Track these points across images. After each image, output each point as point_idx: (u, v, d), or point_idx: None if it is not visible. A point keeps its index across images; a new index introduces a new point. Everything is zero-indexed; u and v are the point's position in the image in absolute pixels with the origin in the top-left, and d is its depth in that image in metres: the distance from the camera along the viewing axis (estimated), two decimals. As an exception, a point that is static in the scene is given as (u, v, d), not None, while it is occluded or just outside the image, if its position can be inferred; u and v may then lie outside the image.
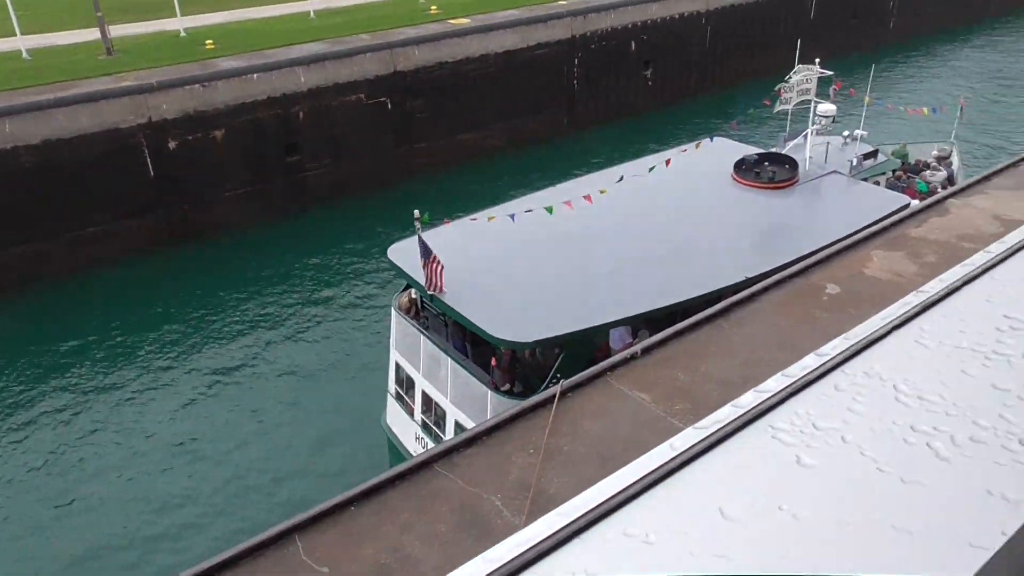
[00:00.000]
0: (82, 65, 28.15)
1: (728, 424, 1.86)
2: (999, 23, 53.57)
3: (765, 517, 1.60)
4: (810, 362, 2.07)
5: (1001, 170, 10.15)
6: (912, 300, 2.32)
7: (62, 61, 28.86)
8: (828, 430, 1.83)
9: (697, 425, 1.87)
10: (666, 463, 1.76)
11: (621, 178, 17.75)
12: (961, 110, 24.50)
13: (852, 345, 2.12)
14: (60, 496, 17.41)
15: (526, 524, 1.62)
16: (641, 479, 1.72)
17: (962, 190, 9.60)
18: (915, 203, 14.42)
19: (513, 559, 1.52)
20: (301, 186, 29.52)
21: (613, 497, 1.67)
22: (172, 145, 26.37)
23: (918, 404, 1.89)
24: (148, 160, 26.06)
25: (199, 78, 26.71)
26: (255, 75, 27.60)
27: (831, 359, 2.08)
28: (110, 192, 25.61)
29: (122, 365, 21.59)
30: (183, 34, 32.34)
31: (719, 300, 7.56)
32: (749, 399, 1.95)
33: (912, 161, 23.87)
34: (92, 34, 30.89)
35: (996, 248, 2.57)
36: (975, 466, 1.69)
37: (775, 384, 1.99)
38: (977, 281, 2.41)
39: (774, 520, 1.59)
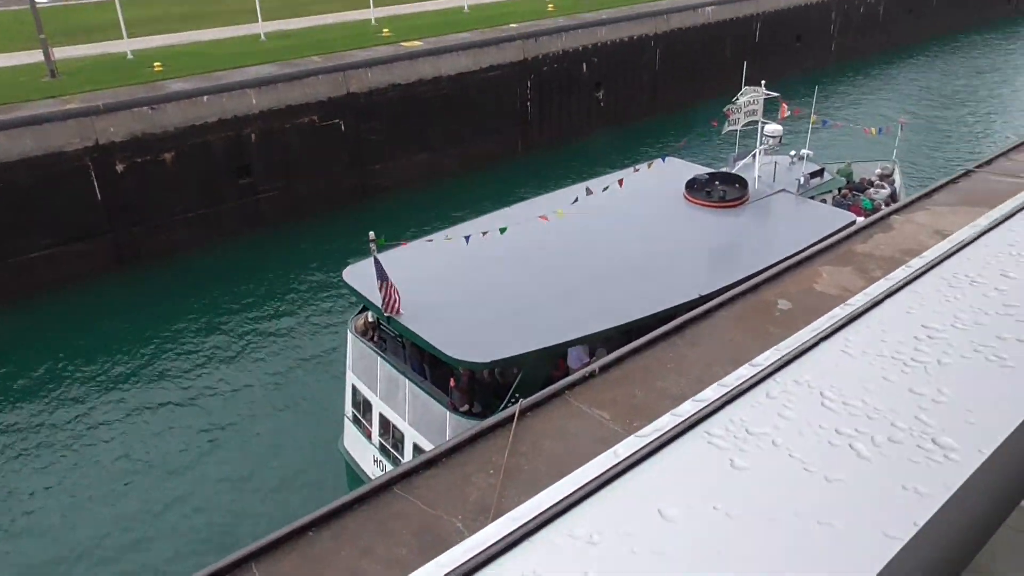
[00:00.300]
0: (25, 88, 27.51)
1: (667, 431, 2.01)
2: (931, 45, 55.61)
3: (701, 516, 1.72)
4: (744, 372, 2.23)
5: (941, 187, 10.53)
6: (838, 313, 2.50)
7: (3, 83, 28.17)
8: (759, 435, 1.97)
9: (639, 433, 2.00)
10: (609, 469, 1.89)
11: (576, 200, 17.86)
12: (901, 128, 25.34)
13: (783, 356, 2.29)
14: (7, 524, 16.77)
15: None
16: (586, 484, 1.84)
17: (905, 207, 9.93)
18: (861, 220, 14.85)
19: (465, 562, 1.60)
20: (254, 209, 29.17)
21: (560, 502, 1.79)
22: (120, 168, 25.87)
23: (842, 409, 2.03)
24: (95, 183, 25.52)
25: (147, 100, 26.30)
26: (205, 97, 27.29)
27: (763, 369, 2.23)
28: (56, 216, 24.99)
29: (69, 393, 20.97)
30: (130, 56, 31.83)
31: (674, 318, 7.67)
32: (687, 408, 2.10)
33: (857, 179, 24.57)
34: (35, 56, 30.21)
35: (916, 263, 2.77)
36: (892, 464, 1.82)
37: (712, 393, 2.14)
38: (898, 294, 2.60)
39: (709, 519, 1.71)
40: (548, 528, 1.69)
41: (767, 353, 2.25)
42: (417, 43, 33.38)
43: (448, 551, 1.62)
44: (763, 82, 20.53)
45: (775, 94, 20.64)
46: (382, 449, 16.63)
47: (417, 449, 15.33)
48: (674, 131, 37.69)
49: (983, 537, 1.71)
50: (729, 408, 2.07)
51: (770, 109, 21.03)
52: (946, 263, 2.74)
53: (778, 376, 2.18)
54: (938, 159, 35.48)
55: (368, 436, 17.07)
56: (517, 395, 13.59)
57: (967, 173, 11.46)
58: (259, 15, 35.79)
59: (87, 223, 25.68)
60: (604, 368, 6.73)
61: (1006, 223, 3.00)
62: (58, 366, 22.07)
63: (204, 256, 27.44)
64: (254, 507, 17.29)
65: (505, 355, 13.88)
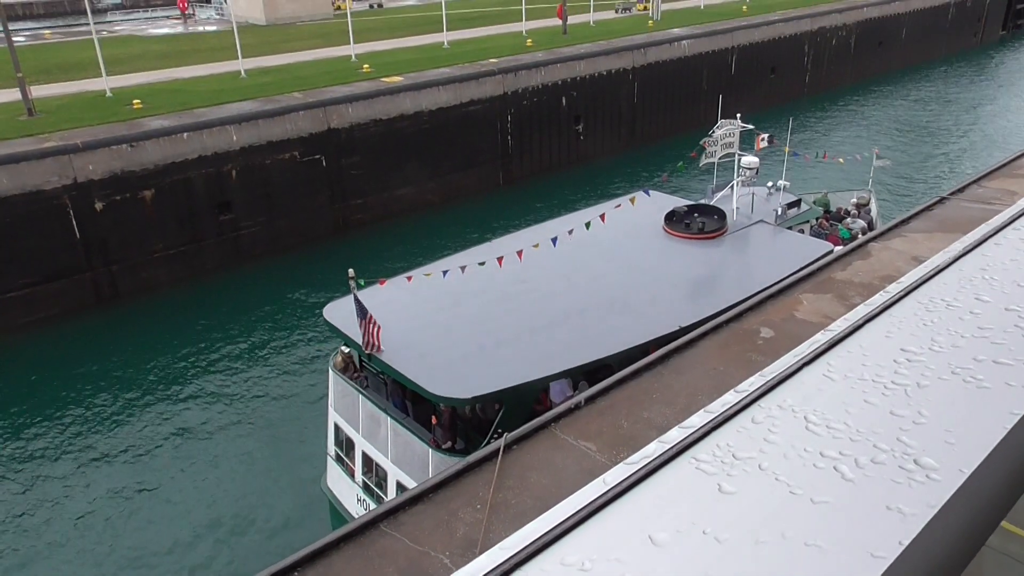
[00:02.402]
0: (1, 126, 27.40)
1: (655, 458, 2.04)
2: (900, 77, 56.85)
3: (690, 541, 1.74)
4: (729, 398, 2.28)
5: (916, 214, 10.70)
6: (820, 338, 2.57)
7: (-19, 122, 28.05)
8: (746, 459, 2.01)
9: (627, 461, 2.03)
10: (599, 497, 1.91)
11: (555, 239, 17.77)
12: (876, 158, 25.76)
13: (767, 381, 2.34)
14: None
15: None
16: (576, 512, 1.87)
17: (882, 234, 10.07)
18: (839, 249, 14.99)
19: None
20: (235, 245, 29.06)
21: (551, 530, 1.81)
22: (99, 206, 25.73)
23: (826, 432, 2.08)
24: (74, 221, 25.35)
25: (126, 138, 26.26)
26: (185, 134, 27.29)
27: (748, 395, 2.28)
28: (33, 255, 24.75)
29: (48, 434, 20.58)
30: (109, 94, 31.84)
31: (655, 350, 7.68)
32: (674, 435, 2.14)
33: (833, 209, 24.87)
34: (12, 95, 30.16)
35: (894, 288, 2.86)
36: (876, 485, 1.87)
37: (698, 420, 2.19)
38: (877, 319, 2.67)
39: (698, 544, 1.73)
40: (539, 557, 1.70)
41: (751, 379, 2.29)
42: (397, 79, 33.66)
43: None
44: (738, 115, 20.82)
45: (751, 127, 20.92)
46: (365, 488, 16.42)
47: (400, 487, 15.13)
48: (654, 163, 38.09)
49: (967, 555, 1.73)
50: (715, 434, 2.10)
51: (746, 141, 21.31)
52: (922, 288, 2.81)
53: (762, 401, 2.22)
54: (912, 188, 36.09)
55: (351, 475, 16.86)
56: (500, 430, 13.52)
57: (941, 200, 11.68)
58: (239, 52, 35.99)
59: (65, 262, 25.45)
60: (590, 399, 6.72)
61: (978, 248, 3.09)
62: (34, 408, 21.68)
63: (185, 293, 27.24)
64: (237, 549, 16.97)
65: (487, 390, 13.77)
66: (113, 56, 38.15)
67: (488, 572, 1.65)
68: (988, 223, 3.26)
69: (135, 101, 29.89)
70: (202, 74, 36.36)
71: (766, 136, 21.82)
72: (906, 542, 1.64)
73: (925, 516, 1.73)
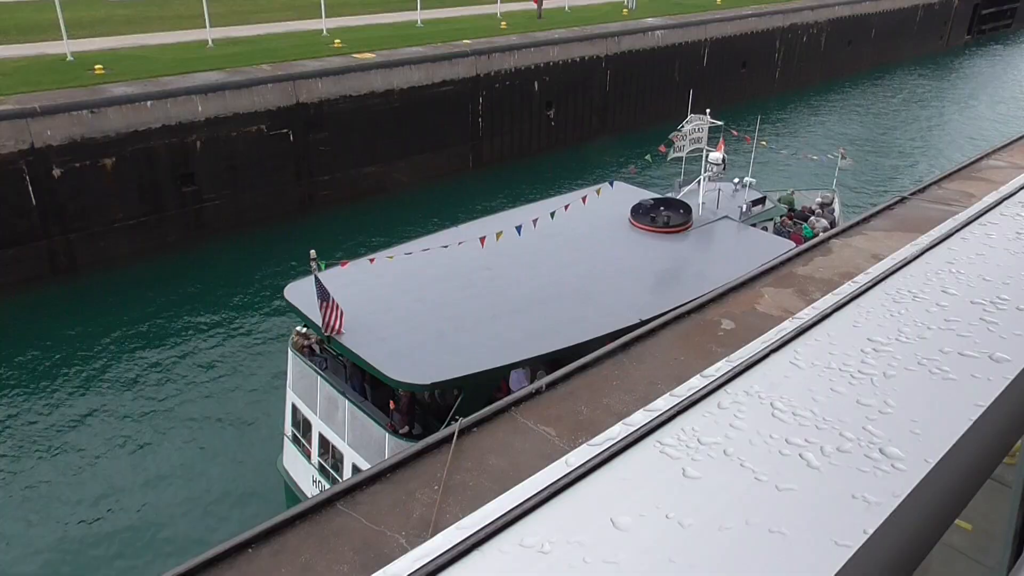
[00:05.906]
0: (-43, 86, 26.53)
1: (619, 441, 2.02)
2: (868, 76, 57.65)
3: (653, 525, 1.72)
4: (696, 383, 2.27)
5: (877, 213, 10.89)
6: (787, 326, 2.58)
7: (-65, 81, 27.11)
8: (711, 444, 2.01)
9: (591, 442, 2.02)
10: (561, 478, 1.89)
11: (519, 227, 17.78)
12: (841, 158, 26.14)
13: (734, 367, 2.34)
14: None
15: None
16: (538, 493, 1.83)
17: (843, 231, 10.24)
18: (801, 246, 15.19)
19: (413, 572, 1.58)
20: (197, 218, 28.55)
21: (511, 511, 1.78)
22: (57, 173, 25.08)
23: (792, 419, 2.07)
24: (30, 188, 24.68)
25: (87, 104, 25.58)
26: (149, 102, 26.68)
27: (715, 380, 2.28)
28: (-15, 221, 24.08)
29: (-7, 405, 20.12)
30: (70, 58, 30.96)
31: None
32: (639, 417, 2.12)
33: (798, 207, 25.21)
34: (-31, 54, 29.21)
35: (862, 279, 2.90)
36: (841, 473, 1.87)
37: (663, 403, 2.17)
38: (845, 308, 2.69)
39: (661, 528, 1.71)
40: (498, 537, 1.67)
41: (718, 364, 2.29)
42: (369, 55, 33.24)
43: (393, 563, 1.59)
44: (708, 111, 20.96)
45: (719, 123, 21.08)
46: (321, 469, 16.35)
47: (356, 470, 15.09)
48: (624, 153, 38.21)
49: (928, 545, 1.75)
50: (681, 418, 2.09)
51: (714, 136, 21.46)
52: (890, 279, 2.85)
53: (729, 387, 2.22)
54: (875, 187, 36.70)
55: (307, 456, 16.78)
56: (457, 417, 13.53)
57: (902, 200, 11.92)
58: (207, 21, 35.23)
59: (20, 229, 24.78)
60: (550, 385, 6.75)
61: (945, 242, 3.13)
62: (-17, 376, 21.16)
63: (144, 265, 26.72)
64: (189, 526, 16.79)
65: (446, 377, 13.77)
66: (75, 19, 37.07)
67: (444, 552, 1.62)
68: (954, 218, 3.31)
69: (97, 66, 29.11)
70: (168, 42, 35.50)
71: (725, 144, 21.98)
72: (870, 531, 1.66)
73: (890, 505, 1.74)
